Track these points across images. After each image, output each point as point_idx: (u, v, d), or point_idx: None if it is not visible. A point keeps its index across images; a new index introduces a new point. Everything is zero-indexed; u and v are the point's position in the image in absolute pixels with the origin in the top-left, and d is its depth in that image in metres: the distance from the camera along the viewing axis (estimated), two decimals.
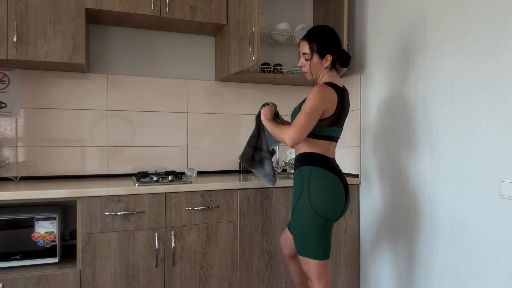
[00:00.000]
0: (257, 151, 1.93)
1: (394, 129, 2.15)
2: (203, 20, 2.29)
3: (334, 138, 1.73)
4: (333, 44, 1.72)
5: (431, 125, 1.90)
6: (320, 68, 1.75)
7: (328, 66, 1.73)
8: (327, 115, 1.66)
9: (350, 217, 2.42)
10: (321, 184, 1.64)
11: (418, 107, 1.98)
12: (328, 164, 1.69)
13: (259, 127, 1.91)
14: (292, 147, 1.67)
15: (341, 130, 1.77)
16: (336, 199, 1.65)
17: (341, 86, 1.73)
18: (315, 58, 1.73)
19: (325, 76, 1.76)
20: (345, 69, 2.37)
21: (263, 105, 1.87)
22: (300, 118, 1.59)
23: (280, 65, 2.59)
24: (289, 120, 2.77)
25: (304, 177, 1.68)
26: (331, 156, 1.74)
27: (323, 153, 1.71)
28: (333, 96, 1.65)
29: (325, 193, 1.63)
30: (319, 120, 1.67)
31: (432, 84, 1.90)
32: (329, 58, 1.72)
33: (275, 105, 1.88)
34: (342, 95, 1.70)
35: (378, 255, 2.29)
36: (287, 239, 1.91)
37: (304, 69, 1.79)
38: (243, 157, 1.93)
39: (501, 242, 1.57)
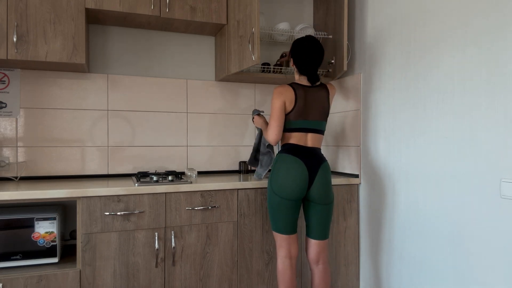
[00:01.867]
0: (257, 152, 2.32)
1: (394, 129, 2.15)
2: (203, 20, 2.29)
3: (308, 130, 1.94)
4: (296, 51, 1.96)
5: (431, 124, 1.90)
6: (293, 67, 2.03)
7: (294, 68, 2.02)
8: (288, 109, 1.91)
9: (350, 217, 2.42)
10: (280, 167, 1.89)
11: (418, 107, 1.98)
12: (295, 150, 1.91)
13: (260, 133, 2.27)
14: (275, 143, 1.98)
15: (318, 123, 1.96)
16: (291, 180, 1.85)
17: (309, 84, 1.97)
18: (290, 58, 2.04)
19: (296, 76, 2.04)
20: (345, 70, 2.37)
21: (255, 113, 2.19)
22: (269, 120, 1.93)
23: (280, 65, 2.59)
24: None
25: (273, 163, 1.95)
26: (308, 145, 1.95)
27: (297, 143, 1.94)
28: (288, 92, 1.91)
29: (281, 175, 1.87)
30: (286, 114, 1.93)
31: (432, 84, 1.90)
32: (291, 60, 2.01)
33: (262, 111, 2.27)
34: (305, 91, 1.94)
35: (378, 255, 2.29)
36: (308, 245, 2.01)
37: None
38: (249, 161, 2.34)
39: (501, 242, 1.57)
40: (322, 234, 1.95)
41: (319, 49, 1.94)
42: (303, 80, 1.99)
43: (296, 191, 1.85)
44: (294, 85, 1.94)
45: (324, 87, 2.00)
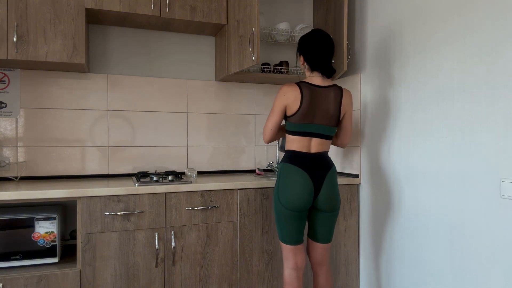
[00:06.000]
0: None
1: (394, 129, 2.15)
2: (203, 20, 2.29)
3: (312, 134, 1.84)
4: (304, 46, 1.86)
5: (431, 125, 1.90)
6: (303, 66, 1.93)
7: (304, 65, 1.91)
8: (292, 111, 1.81)
9: (350, 217, 2.42)
10: (286, 178, 1.81)
11: (418, 107, 1.98)
12: (298, 160, 1.82)
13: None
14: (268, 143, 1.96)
15: (326, 128, 1.84)
16: (297, 192, 1.78)
17: (321, 84, 1.84)
18: (300, 56, 1.93)
19: (307, 74, 1.91)
20: (345, 70, 2.37)
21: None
22: (267, 119, 1.86)
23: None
24: None
25: (278, 172, 1.88)
26: (312, 151, 1.85)
27: (300, 149, 1.84)
28: (293, 93, 1.80)
29: (287, 187, 1.80)
30: (289, 116, 1.84)
31: (432, 84, 1.90)
32: (301, 58, 1.90)
33: None
34: (313, 92, 1.81)
35: (378, 255, 2.29)
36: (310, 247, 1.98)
37: None
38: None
39: (501, 242, 1.57)
40: (327, 238, 1.92)
41: (329, 40, 1.84)
42: (314, 78, 1.85)
43: (302, 202, 1.79)
44: (302, 84, 1.81)
45: (338, 90, 1.86)
